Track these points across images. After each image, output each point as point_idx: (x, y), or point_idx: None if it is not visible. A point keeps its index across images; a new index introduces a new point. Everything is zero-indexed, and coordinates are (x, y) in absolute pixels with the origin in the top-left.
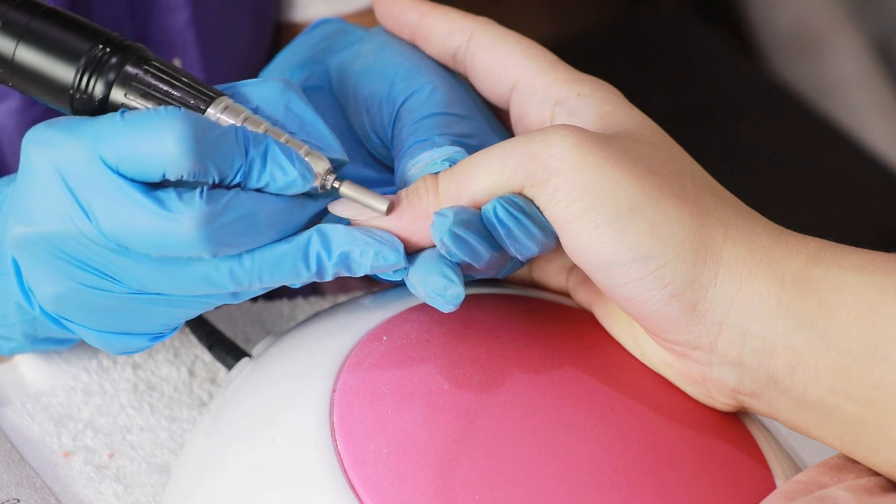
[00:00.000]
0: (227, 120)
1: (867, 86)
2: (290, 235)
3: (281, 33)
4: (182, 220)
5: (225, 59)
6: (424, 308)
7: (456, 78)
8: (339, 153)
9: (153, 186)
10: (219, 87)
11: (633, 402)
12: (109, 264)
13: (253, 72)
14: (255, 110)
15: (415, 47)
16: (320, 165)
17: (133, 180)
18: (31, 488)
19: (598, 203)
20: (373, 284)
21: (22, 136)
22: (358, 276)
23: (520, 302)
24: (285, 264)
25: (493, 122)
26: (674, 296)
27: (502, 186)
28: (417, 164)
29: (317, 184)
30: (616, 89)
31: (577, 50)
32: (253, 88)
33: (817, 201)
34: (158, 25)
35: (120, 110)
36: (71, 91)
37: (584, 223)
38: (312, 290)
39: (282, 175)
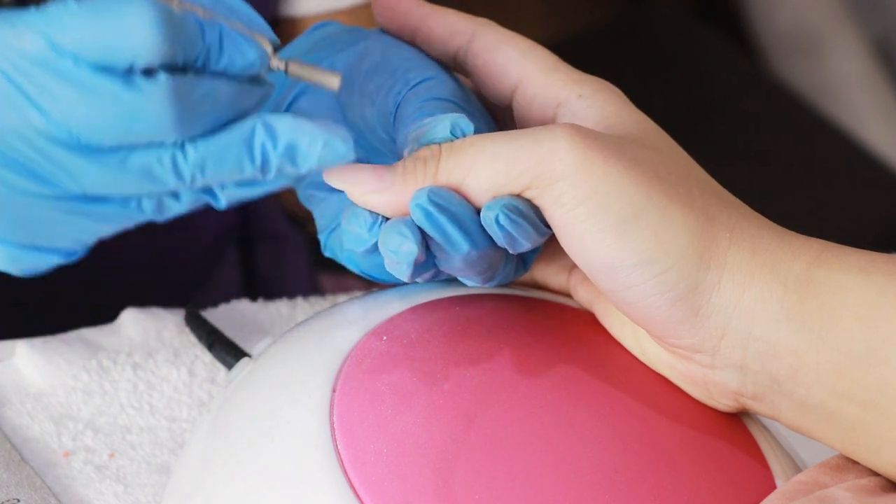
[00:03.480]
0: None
1: (867, 86)
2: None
3: (277, 28)
4: (152, 97)
5: None
6: (424, 308)
7: (458, 79)
8: (273, 37)
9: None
10: None
11: (634, 402)
12: (45, 160)
13: None
14: None
15: (418, 48)
16: (267, 46)
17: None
18: (31, 488)
19: (602, 208)
20: (373, 284)
21: None
22: (303, 171)
23: (520, 302)
24: (230, 154)
25: (492, 126)
26: (677, 300)
27: (504, 188)
28: (420, 127)
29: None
30: (619, 90)
31: (577, 50)
32: None
33: (817, 201)
34: None
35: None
36: None
37: (587, 227)
38: (313, 289)
39: (240, 57)
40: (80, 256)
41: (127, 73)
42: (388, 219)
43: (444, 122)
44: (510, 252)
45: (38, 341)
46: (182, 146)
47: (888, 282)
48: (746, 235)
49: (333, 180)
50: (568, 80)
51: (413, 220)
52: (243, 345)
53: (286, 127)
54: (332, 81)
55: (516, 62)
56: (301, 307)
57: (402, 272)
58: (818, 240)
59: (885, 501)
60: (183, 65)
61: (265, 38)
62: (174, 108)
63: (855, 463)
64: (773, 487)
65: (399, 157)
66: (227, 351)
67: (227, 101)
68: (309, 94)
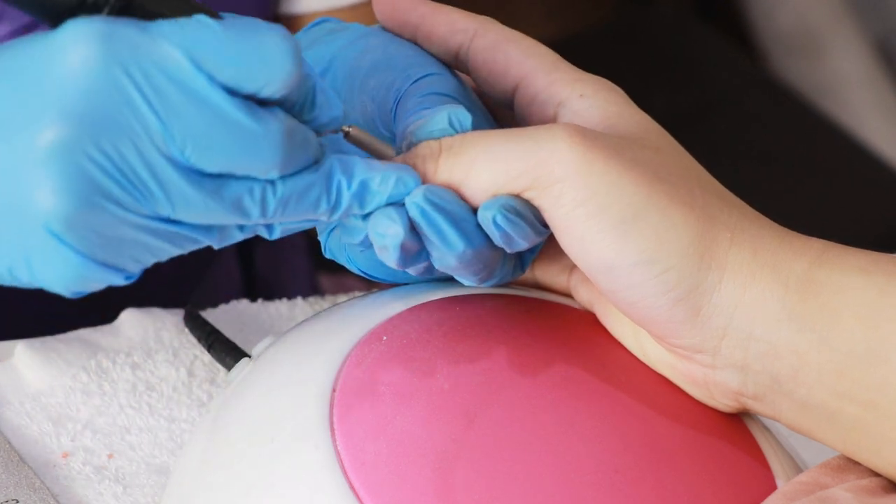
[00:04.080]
0: None
1: (868, 85)
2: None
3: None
4: (271, 131)
5: None
6: (424, 308)
7: (458, 77)
8: (340, 104)
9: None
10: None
11: (634, 402)
12: (149, 176)
13: None
14: None
15: (419, 46)
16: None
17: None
18: (30, 489)
19: (602, 208)
20: (373, 285)
21: None
22: (367, 210)
23: (520, 302)
24: (312, 192)
25: (493, 124)
26: (678, 300)
27: (503, 188)
28: (419, 119)
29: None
30: (620, 90)
31: (578, 50)
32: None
33: (817, 201)
34: None
35: (208, 17)
36: (73, 2)
37: (588, 227)
38: (312, 289)
39: (328, 111)
40: (134, 279)
41: (248, 103)
42: None
43: (441, 114)
44: (507, 251)
45: (36, 341)
46: (273, 182)
47: (889, 282)
48: (747, 235)
49: None
50: (569, 80)
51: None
52: (243, 345)
53: (360, 166)
54: (388, 152)
55: (518, 61)
56: (301, 307)
57: (390, 258)
58: (819, 240)
59: (886, 502)
60: (290, 107)
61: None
62: (285, 145)
63: (856, 463)
64: (773, 488)
65: (399, 152)
66: (227, 351)
67: (315, 146)
68: None
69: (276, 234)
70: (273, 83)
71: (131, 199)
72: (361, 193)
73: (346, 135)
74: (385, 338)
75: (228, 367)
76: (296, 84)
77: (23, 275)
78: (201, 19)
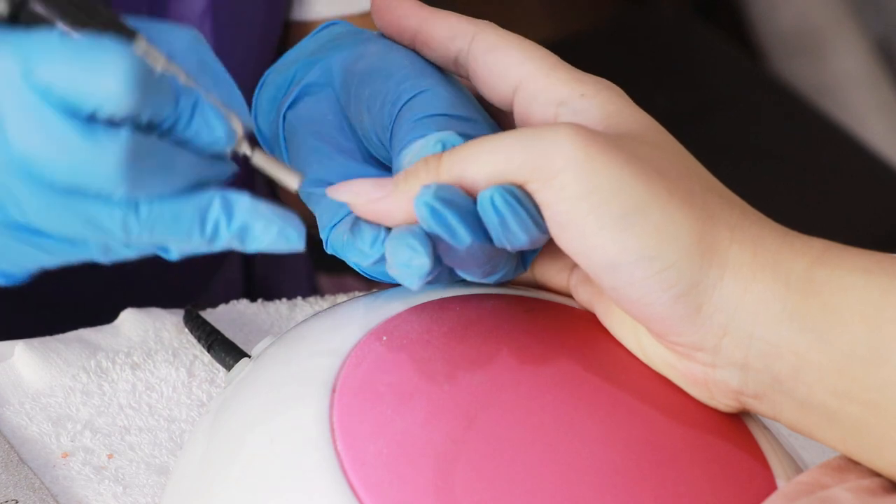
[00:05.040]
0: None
1: (868, 85)
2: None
3: (288, 31)
4: (106, 152)
5: (237, 50)
6: (424, 308)
7: (457, 82)
8: (248, 120)
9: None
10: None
11: (634, 402)
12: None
13: (262, 65)
14: (170, 56)
15: (416, 53)
16: (238, 128)
17: (59, 104)
18: (30, 489)
19: (604, 203)
20: (373, 285)
21: None
22: (248, 250)
23: (520, 302)
24: (181, 222)
25: (495, 128)
26: (679, 297)
27: (505, 177)
28: (411, 151)
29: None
30: (620, 89)
31: (578, 50)
32: (163, 31)
33: (818, 201)
34: (175, 12)
35: (56, 31)
36: None
37: (589, 222)
38: (312, 290)
39: (207, 132)
40: (20, 281)
41: (89, 121)
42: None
43: (434, 145)
44: (508, 248)
45: (36, 342)
46: (136, 204)
47: (891, 282)
48: (748, 234)
49: (336, 194)
50: (569, 80)
51: (419, 230)
52: (243, 345)
53: (244, 208)
54: (292, 181)
55: (517, 63)
56: (301, 307)
57: (413, 284)
58: (820, 239)
59: (887, 502)
60: (148, 124)
61: (239, 118)
62: (126, 165)
63: (856, 464)
64: (774, 488)
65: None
66: (227, 351)
67: (183, 170)
68: (309, 96)
69: (175, 256)
70: (108, 102)
71: None
72: (242, 235)
73: (247, 160)
74: (385, 338)
75: (228, 367)
76: (136, 105)
77: None
78: (50, 34)
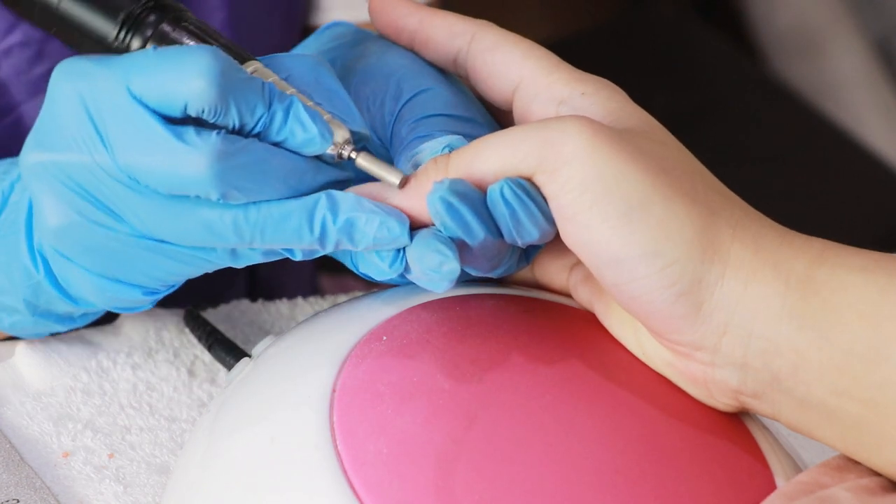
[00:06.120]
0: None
1: (867, 85)
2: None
3: (305, 36)
4: (196, 153)
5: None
6: (424, 308)
7: (457, 82)
8: (361, 126)
9: (175, 122)
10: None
11: (634, 402)
12: (117, 200)
13: None
14: (286, 79)
15: (415, 53)
16: (340, 134)
17: (155, 112)
18: (31, 489)
19: (609, 195)
20: (373, 285)
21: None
22: (359, 247)
23: (520, 302)
24: (290, 222)
25: (495, 127)
26: (680, 295)
27: (513, 169)
28: (419, 153)
29: (334, 151)
30: (620, 89)
31: (577, 50)
32: (286, 59)
33: (817, 201)
34: None
35: (152, 46)
36: (109, 42)
37: (593, 215)
38: (313, 290)
39: (301, 132)
40: (164, 295)
41: (182, 126)
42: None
43: (442, 150)
44: (519, 243)
45: (37, 341)
46: (245, 206)
47: (890, 281)
48: (749, 233)
49: (355, 190)
50: (570, 79)
51: (442, 234)
52: (243, 345)
53: (348, 204)
54: (395, 179)
55: (517, 62)
56: (301, 307)
57: (442, 287)
58: (819, 239)
59: (887, 502)
60: (241, 128)
61: (345, 125)
62: (216, 166)
63: (856, 463)
64: (773, 487)
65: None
66: (227, 351)
67: (280, 171)
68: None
69: (299, 257)
70: (192, 98)
71: (108, 219)
72: (349, 230)
73: (355, 161)
74: (385, 338)
75: (228, 367)
76: (218, 96)
77: (73, 293)
78: (145, 50)
